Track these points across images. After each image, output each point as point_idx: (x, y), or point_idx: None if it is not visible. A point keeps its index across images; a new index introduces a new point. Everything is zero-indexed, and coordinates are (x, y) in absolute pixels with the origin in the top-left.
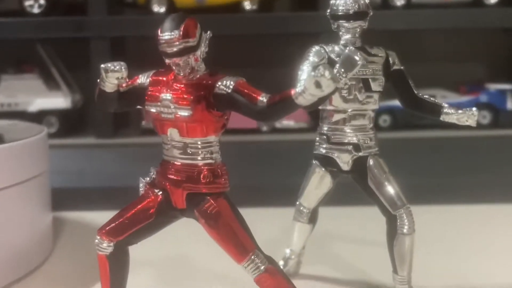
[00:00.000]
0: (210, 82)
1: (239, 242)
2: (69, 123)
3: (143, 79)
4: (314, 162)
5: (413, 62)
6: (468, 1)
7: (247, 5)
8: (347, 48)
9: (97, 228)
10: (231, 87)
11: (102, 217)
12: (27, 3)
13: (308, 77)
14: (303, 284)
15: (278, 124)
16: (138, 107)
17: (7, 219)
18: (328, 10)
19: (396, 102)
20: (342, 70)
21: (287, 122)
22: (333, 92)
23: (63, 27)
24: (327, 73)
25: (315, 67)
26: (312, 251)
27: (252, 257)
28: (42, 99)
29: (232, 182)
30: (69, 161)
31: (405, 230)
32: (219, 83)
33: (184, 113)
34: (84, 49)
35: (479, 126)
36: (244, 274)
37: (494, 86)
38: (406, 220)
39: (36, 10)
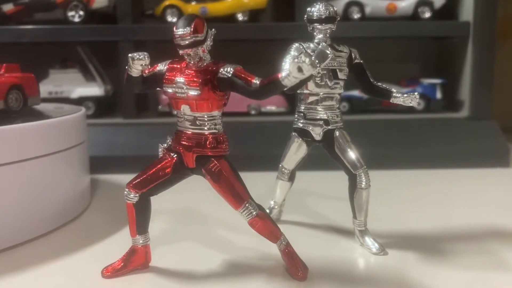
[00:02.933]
0: (214, 68)
1: (236, 193)
2: (102, 107)
3: (161, 66)
4: (293, 134)
5: (366, 62)
6: (408, 15)
7: (240, 17)
8: (320, 44)
9: (119, 185)
10: (231, 72)
11: (128, 178)
12: (69, 14)
13: (292, 63)
14: (283, 227)
15: (263, 109)
16: (158, 88)
17: (55, 177)
18: (305, 16)
19: (353, 92)
20: (316, 61)
21: (270, 107)
22: (309, 79)
23: (97, 32)
24: (307, 60)
25: (297, 56)
26: (291, 203)
27: (247, 205)
28: (82, 88)
29: (230, 152)
30: (103, 136)
31: (363, 185)
32: (222, 69)
33: (194, 92)
34: (114, 50)
35: (415, 111)
36: (239, 219)
37: (427, 81)
38: (363, 178)
39: (76, 19)
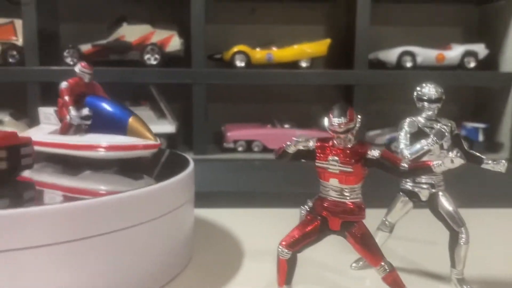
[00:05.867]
0: (362, 150)
1: (375, 253)
2: (172, 144)
3: (309, 144)
4: (400, 193)
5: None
6: (455, 64)
7: (303, 63)
8: (439, 124)
9: (201, 220)
10: (378, 154)
11: (210, 213)
12: (146, 57)
13: (446, 158)
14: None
15: None
16: (302, 160)
17: (162, 238)
18: (415, 94)
19: None
20: (435, 138)
21: None
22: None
23: (172, 75)
24: (458, 155)
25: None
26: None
27: (382, 263)
28: (154, 125)
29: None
30: None
31: (463, 241)
32: (369, 151)
33: (347, 169)
34: (185, 91)
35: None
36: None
37: (470, 124)
38: (464, 235)
39: (152, 61)
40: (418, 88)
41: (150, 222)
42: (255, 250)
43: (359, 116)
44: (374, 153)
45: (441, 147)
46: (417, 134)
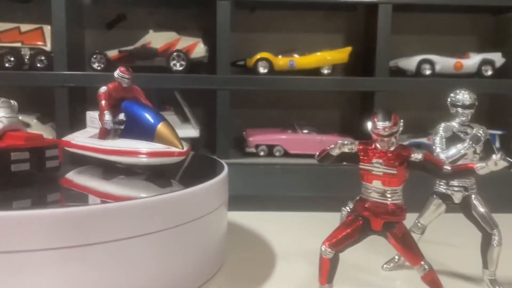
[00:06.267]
0: (405, 153)
1: (416, 252)
2: (196, 148)
3: (352, 147)
4: (434, 196)
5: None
6: (472, 72)
7: (325, 70)
8: (474, 129)
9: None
10: (421, 157)
11: (239, 216)
12: (172, 63)
13: (490, 160)
14: (410, 274)
15: None
16: (344, 163)
17: (199, 240)
18: (449, 100)
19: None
20: (471, 142)
21: None
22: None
23: (198, 81)
24: (503, 157)
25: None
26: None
27: (422, 262)
28: (178, 130)
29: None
30: None
31: (496, 243)
32: (412, 154)
33: (391, 171)
34: (208, 96)
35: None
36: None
37: None
38: (497, 237)
39: (178, 67)
40: (452, 95)
41: (183, 226)
42: (286, 251)
43: (401, 121)
44: (418, 155)
45: (474, 151)
46: (452, 139)
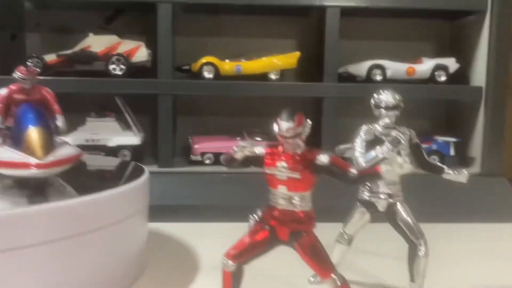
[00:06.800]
0: (311, 157)
1: (325, 265)
2: (137, 156)
3: (259, 150)
4: (358, 204)
5: None
6: (425, 78)
7: (272, 75)
8: (394, 132)
9: (161, 235)
10: (327, 161)
11: (175, 227)
12: (111, 67)
13: (394, 163)
14: None
15: None
16: (252, 166)
17: (115, 246)
18: (372, 101)
19: None
20: (390, 146)
21: None
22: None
23: (138, 86)
24: (406, 159)
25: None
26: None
27: (333, 275)
28: (119, 137)
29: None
30: None
31: (423, 253)
32: (318, 157)
33: (295, 176)
34: (150, 100)
35: None
36: None
37: (441, 138)
38: (423, 247)
39: (118, 72)
40: (375, 95)
41: (95, 232)
42: (212, 265)
43: (308, 121)
44: (323, 158)
45: (399, 155)
46: (375, 142)
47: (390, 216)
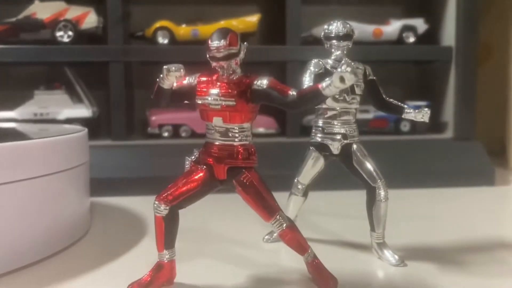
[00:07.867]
0: (248, 80)
1: (268, 205)
2: (89, 129)
3: (190, 80)
4: (310, 148)
5: None
6: (393, 39)
7: None
8: (344, 60)
9: (114, 208)
10: (266, 84)
11: (121, 200)
12: (58, 34)
13: (335, 73)
14: None
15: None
16: (186, 102)
17: (57, 198)
18: (322, 33)
19: None
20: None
21: (259, 129)
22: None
23: (87, 53)
24: (349, 69)
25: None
26: (302, 221)
27: (277, 216)
28: (69, 110)
29: None
30: (92, 157)
31: (382, 198)
32: (256, 81)
33: (229, 103)
34: (100, 71)
35: (401, 132)
36: (257, 237)
37: (412, 103)
38: (382, 190)
39: (65, 39)
40: (325, 26)
41: (39, 178)
42: None
43: (245, 44)
44: (262, 82)
45: (352, 91)
46: (325, 76)
47: (345, 159)
